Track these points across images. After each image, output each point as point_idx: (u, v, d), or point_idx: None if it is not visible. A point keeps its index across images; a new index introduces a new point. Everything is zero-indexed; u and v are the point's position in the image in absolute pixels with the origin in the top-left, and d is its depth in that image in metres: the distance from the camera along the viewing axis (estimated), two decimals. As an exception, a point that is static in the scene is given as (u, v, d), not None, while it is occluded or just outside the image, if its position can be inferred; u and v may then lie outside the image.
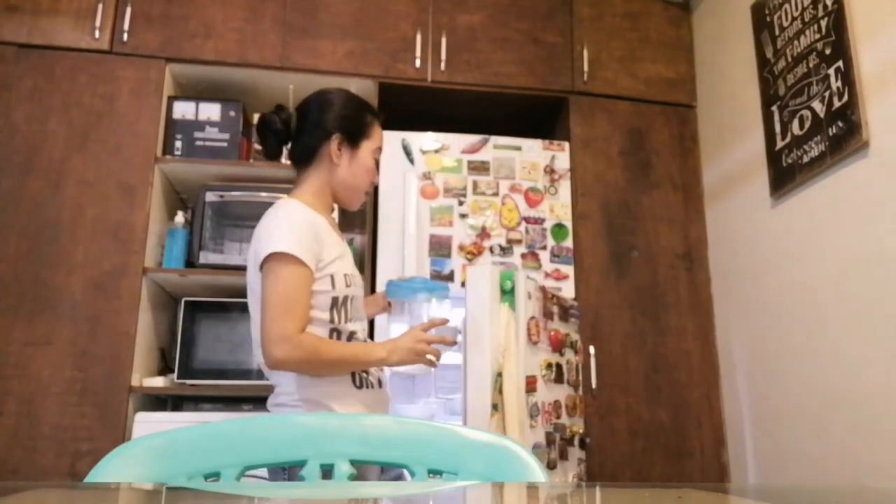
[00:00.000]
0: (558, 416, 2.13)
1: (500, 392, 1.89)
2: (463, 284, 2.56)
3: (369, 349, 1.57)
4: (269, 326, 1.43)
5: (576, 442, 2.22)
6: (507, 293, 1.99)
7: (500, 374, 1.89)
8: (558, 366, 2.16)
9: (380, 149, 1.67)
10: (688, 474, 2.57)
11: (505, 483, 0.84)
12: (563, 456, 2.12)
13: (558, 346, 2.18)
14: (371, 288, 2.55)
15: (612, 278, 2.71)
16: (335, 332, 1.54)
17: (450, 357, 2.56)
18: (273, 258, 1.45)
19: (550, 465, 2.03)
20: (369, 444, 0.90)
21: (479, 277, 1.96)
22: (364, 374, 1.57)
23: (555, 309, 2.22)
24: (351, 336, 1.57)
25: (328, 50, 2.72)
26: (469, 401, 1.91)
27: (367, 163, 1.63)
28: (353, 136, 1.61)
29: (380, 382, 1.62)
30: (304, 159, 1.64)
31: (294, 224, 1.49)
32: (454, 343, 1.61)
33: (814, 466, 2.16)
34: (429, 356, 1.58)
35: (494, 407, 1.87)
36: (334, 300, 1.53)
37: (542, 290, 2.17)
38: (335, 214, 1.81)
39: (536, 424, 1.99)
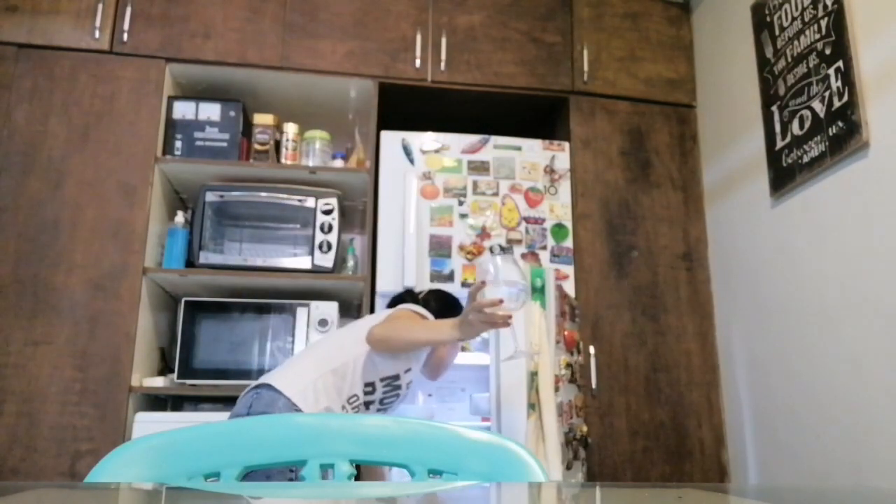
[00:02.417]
0: (571, 417, 2.12)
1: (537, 392, 1.87)
2: (464, 285, 2.57)
3: (439, 324, 1.74)
4: (386, 317, 1.80)
5: (584, 442, 2.21)
6: (538, 291, 1.98)
7: (535, 374, 1.88)
8: (570, 366, 2.16)
9: None
10: (688, 474, 2.57)
11: (505, 483, 0.84)
12: (576, 456, 2.11)
13: (572, 345, 2.18)
14: (371, 287, 2.56)
15: (612, 278, 2.71)
16: (370, 385, 1.80)
17: (476, 357, 2.51)
18: (412, 311, 1.84)
19: (568, 466, 2.02)
20: (369, 444, 0.90)
21: None
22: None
23: (567, 308, 2.22)
24: (371, 402, 1.83)
25: (328, 50, 2.72)
26: (504, 400, 1.89)
27: (455, 356, 2.09)
28: None
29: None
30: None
31: (431, 315, 1.91)
32: (500, 301, 1.51)
33: (814, 466, 2.16)
34: (489, 321, 1.55)
35: (531, 407, 1.86)
36: (385, 378, 1.82)
37: (559, 289, 2.16)
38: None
39: (560, 425, 1.98)
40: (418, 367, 1.93)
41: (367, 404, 1.82)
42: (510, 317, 1.53)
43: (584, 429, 2.20)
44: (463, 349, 2.52)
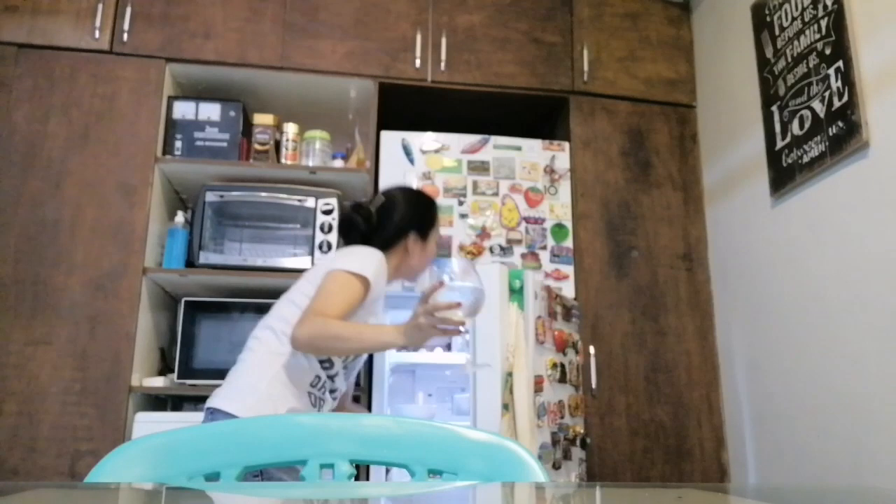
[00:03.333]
0: (562, 416, 2.13)
1: (511, 392, 1.89)
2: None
3: (379, 329, 1.60)
4: (305, 312, 1.56)
5: (577, 442, 2.22)
6: (516, 292, 1.99)
7: (510, 374, 1.89)
8: (562, 366, 2.16)
9: (439, 234, 1.88)
10: (688, 474, 2.57)
11: (505, 483, 0.84)
12: (567, 456, 2.12)
13: (562, 345, 2.19)
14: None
15: (612, 278, 2.71)
16: (327, 361, 1.67)
17: (458, 357, 2.54)
18: (349, 273, 1.60)
19: (555, 466, 2.03)
20: (369, 444, 0.90)
21: (487, 277, 1.95)
22: (321, 402, 1.67)
23: (558, 309, 2.22)
24: (335, 376, 1.69)
25: (328, 50, 2.72)
26: (479, 401, 1.91)
27: (432, 249, 1.85)
28: (425, 232, 1.82)
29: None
30: (381, 247, 1.77)
31: (378, 266, 1.67)
32: (459, 305, 1.42)
33: (814, 466, 2.16)
34: (440, 326, 1.44)
35: (505, 407, 1.87)
36: None
37: (547, 289, 2.17)
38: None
39: (543, 425, 1.99)
40: (376, 317, 1.73)
41: (331, 378, 1.68)
42: (464, 324, 1.44)
43: (578, 429, 2.20)
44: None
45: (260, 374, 1.59)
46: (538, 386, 1.99)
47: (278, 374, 1.59)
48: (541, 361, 2.04)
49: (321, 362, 1.65)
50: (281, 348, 1.62)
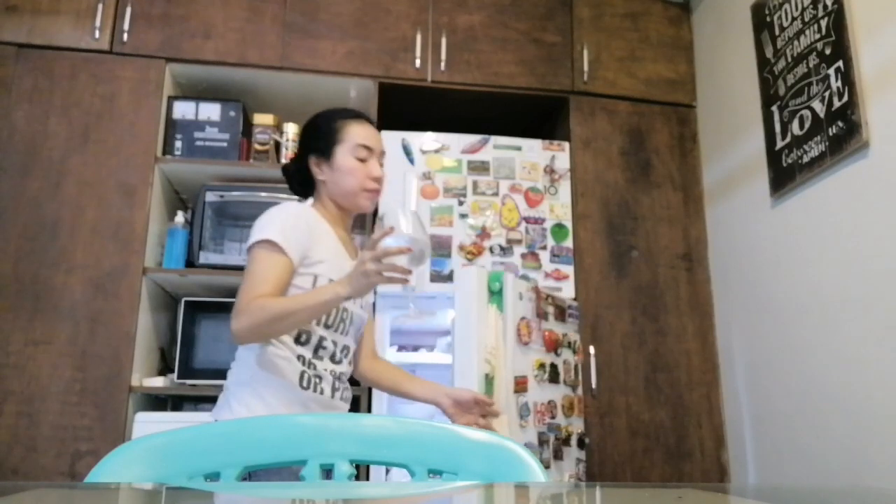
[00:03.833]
0: (553, 416, 2.13)
1: (490, 393, 1.89)
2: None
3: (320, 290, 1.47)
4: (235, 305, 1.45)
5: (573, 442, 2.22)
6: (496, 294, 2.00)
7: (488, 375, 1.90)
8: (553, 366, 2.16)
9: (360, 145, 1.63)
10: (688, 474, 2.57)
11: (505, 483, 0.84)
12: (559, 456, 2.12)
13: (553, 346, 2.19)
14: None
15: (612, 278, 2.71)
16: (303, 334, 1.52)
17: (439, 357, 2.54)
18: (257, 245, 1.49)
19: (544, 465, 2.04)
20: (369, 444, 0.90)
21: (465, 279, 1.96)
22: (317, 380, 1.52)
23: (550, 309, 2.22)
24: (321, 342, 1.54)
25: (328, 50, 2.72)
26: None
27: (347, 164, 1.62)
28: (323, 149, 1.64)
29: (333, 392, 1.55)
30: (308, 188, 1.70)
31: (284, 217, 1.53)
32: (409, 250, 1.37)
33: (814, 466, 2.16)
34: (386, 273, 1.36)
35: None
36: None
37: (536, 290, 2.17)
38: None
39: (527, 424, 2.00)
40: (329, 264, 1.55)
41: (320, 347, 1.54)
42: (410, 273, 1.39)
43: (571, 429, 2.21)
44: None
45: (242, 382, 1.52)
46: (521, 386, 1.99)
47: (257, 376, 1.50)
48: (525, 362, 2.05)
49: (295, 340, 1.51)
50: (251, 351, 1.52)
